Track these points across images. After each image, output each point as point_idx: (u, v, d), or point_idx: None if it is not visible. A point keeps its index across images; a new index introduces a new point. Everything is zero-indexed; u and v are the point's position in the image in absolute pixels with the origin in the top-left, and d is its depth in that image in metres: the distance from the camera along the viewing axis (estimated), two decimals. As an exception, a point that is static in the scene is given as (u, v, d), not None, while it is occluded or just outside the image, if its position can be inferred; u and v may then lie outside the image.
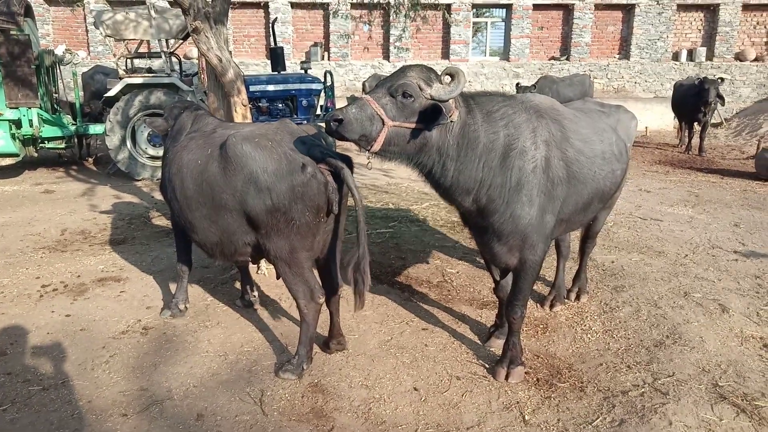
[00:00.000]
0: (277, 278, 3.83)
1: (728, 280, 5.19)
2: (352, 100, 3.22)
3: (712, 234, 6.60)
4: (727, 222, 7.13)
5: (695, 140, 12.84)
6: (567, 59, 18.72)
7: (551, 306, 4.70)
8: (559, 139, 3.33)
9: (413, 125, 3.03)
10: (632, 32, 18.60)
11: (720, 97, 11.89)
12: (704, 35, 18.94)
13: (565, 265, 4.84)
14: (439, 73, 3.07)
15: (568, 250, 4.89)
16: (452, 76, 3.00)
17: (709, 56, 18.71)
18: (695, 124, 12.69)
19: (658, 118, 16.67)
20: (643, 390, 3.48)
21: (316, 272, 3.79)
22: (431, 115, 3.02)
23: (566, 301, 4.77)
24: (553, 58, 19.00)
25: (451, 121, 3.09)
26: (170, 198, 3.98)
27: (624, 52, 19.02)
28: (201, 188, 3.63)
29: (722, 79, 12.00)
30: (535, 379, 3.64)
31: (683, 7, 18.61)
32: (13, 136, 9.37)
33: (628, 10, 18.66)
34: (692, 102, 12.21)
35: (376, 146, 3.01)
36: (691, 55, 18.80)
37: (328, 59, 18.28)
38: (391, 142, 3.05)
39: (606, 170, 3.62)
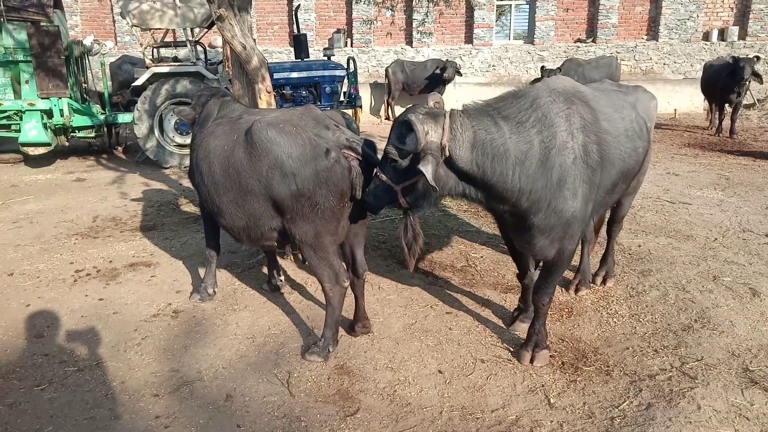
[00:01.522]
0: (303, 262, 3.88)
1: (759, 264, 5.08)
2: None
3: (743, 217, 6.46)
4: (758, 205, 6.96)
5: (726, 122, 12.50)
6: (593, 41, 18.32)
7: (576, 290, 4.66)
8: (591, 121, 3.24)
9: (415, 179, 3.10)
10: (661, 12, 18.08)
11: (757, 75, 11.49)
12: (737, 14, 18.32)
13: (590, 249, 4.80)
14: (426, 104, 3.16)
15: (592, 233, 4.79)
16: (409, 127, 3.00)
17: (742, 35, 18.10)
18: (726, 105, 12.34)
19: (688, 100, 16.25)
20: (670, 374, 3.45)
21: (341, 257, 3.83)
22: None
23: (591, 285, 4.72)
24: (578, 40, 18.61)
25: (446, 156, 3.03)
26: (198, 183, 4.04)
27: (652, 32, 18.53)
28: (228, 173, 3.68)
29: (758, 58, 11.60)
30: (560, 362, 3.64)
31: (715, -15, 18.02)
32: (44, 126, 9.59)
33: (657, -10, 18.13)
34: (724, 82, 11.86)
35: (403, 205, 3.25)
36: (722, 34, 18.21)
37: (351, 46, 18.22)
38: (412, 198, 3.19)
39: (629, 148, 3.52)
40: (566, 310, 4.35)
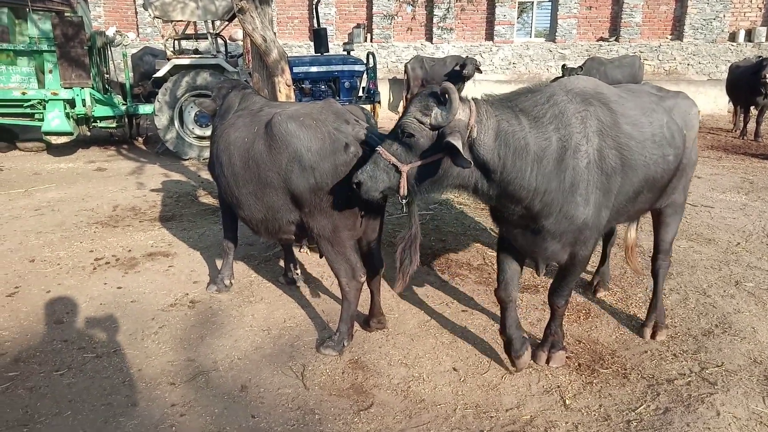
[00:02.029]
0: (320, 257, 3.88)
1: (784, 269, 4.98)
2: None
3: (767, 222, 6.34)
4: (783, 210, 6.82)
5: (751, 124, 12.27)
6: (616, 40, 18.08)
7: (594, 292, 4.57)
8: (609, 124, 3.04)
9: (430, 159, 2.87)
10: (686, 12, 17.78)
11: None
12: (765, 14, 17.94)
13: (611, 250, 4.69)
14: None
15: (614, 235, 4.69)
16: (444, 95, 2.79)
17: (770, 37, 17.75)
18: (752, 107, 12.11)
19: (712, 102, 15.98)
20: (689, 379, 3.40)
21: (358, 252, 3.82)
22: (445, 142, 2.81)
23: (610, 287, 4.65)
24: (601, 39, 18.38)
25: (471, 138, 2.83)
26: (218, 174, 4.06)
27: (677, 32, 18.23)
28: (247, 165, 3.69)
29: (785, 59, 11.34)
30: (576, 364, 3.60)
31: (743, -15, 17.67)
32: (67, 116, 9.71)
33: (683, -11, 17.84)
34: (750, 83, 11.63)
35: (402, 191, 2.94)
36: (749, 35, 17.86)
37: (371, 41, 18.19)
38: (418, 182, 2.94)
39: (656, 155, 3.26)
40: (584, 311, 4.30)
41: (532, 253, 3.31)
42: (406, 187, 2.92)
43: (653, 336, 3.92)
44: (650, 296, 4.49)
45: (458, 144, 2.71)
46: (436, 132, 2.82)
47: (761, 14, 18.00)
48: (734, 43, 17.84)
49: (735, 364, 3.54)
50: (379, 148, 2.96)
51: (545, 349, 3.61)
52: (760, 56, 11.96)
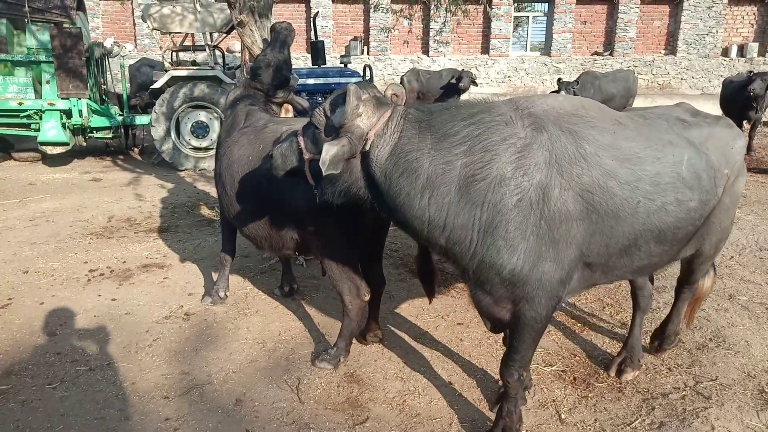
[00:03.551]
0: (323, 275, 3.87)
1: (778, 284, 5.01)
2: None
3: (760, 236, 6.38)
4: (777, 224, 6.87)
5: (744, 139, 12.38)
6: (610, 55, 18.28)
7: (618, 371, 3.60)
8: (569, 158, 2.50)
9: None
10: (679, 27, 18.03)
11: None
12: (757, 30, 18.20)
13: (643, 320, 3.76)
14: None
15: (648, 300, 3.72)
16: (343, 97, 2.60)
17: (762, 52, 17.98)
18: (745, 121, 12.23)
19: (706, 116, 16.15)
20: (684, 393, 3.40)
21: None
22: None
23: (641, 364, 3.67)
24: (596, 53, 18.58)
25: (365, 150, 2.61)
26: (220, 192, 4.09)
27: (670, 47, 18.46)
28: (251, 184, 3.71)
29: (775, 74, 11.45)
30: (572, 377, 3.60)
31: (735, 1, 17.92)
32: (63, 126, 9.71)
33: (676, 5, 18.09)
34: (742, 97, 11.76)
35: (309, 180, 2.79)
36: (742, 50, 18.11)
37: (368, 53, 18.32)
38: (318, 176, 2.71)
39: (661, 200, 2.65)
40: (578, 324, 4.31)
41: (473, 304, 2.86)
42: (309, 177, 2.80)
43: (659, 349, 3.72)
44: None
45: (329, 150, 2.51)
46: (335, 129, 2.65)
47: (753, 30, 18.25)
48: (727, 58, 18.08)
49: (729, 378, 3.55)
50: (299, 131, 2.87)
51: None
52: (751, 71, 12.08)
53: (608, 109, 2.84)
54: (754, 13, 18.11)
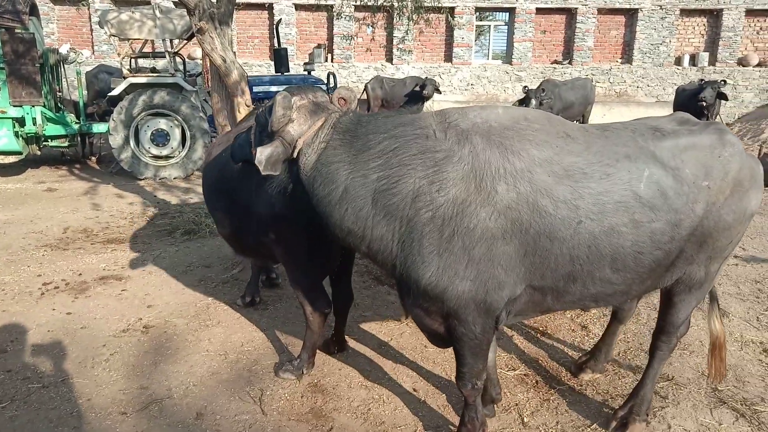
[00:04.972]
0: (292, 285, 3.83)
1: (728, 284, 5.18)
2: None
3: (713, 239, 6.59)
4: (728, 227, 7.11)
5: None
6: (569, 63, 18.73)
7: (578, 368, 3.66)
8: (492, 173, 2.36)
9: None
10: (635, 37, 18.61)
11: (721, 96, 11.73)
12: (707, 40, 18.94)
13: (619, 329, 3.66)
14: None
15: (628, 313, 3.63)
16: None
17: (712, 61, 18.72)
18: (697, 129, 12.65)
19: (661, 123, 16.67)
20: (642, 394, 3.48)
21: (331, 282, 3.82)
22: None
23: (605, 368, 3.64)
24: (555, 62, 19.01)
25: (294, 157, 2.67)
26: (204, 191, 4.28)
27: (626, 56, 19.03)
28: (222, 183, 3.78)
29: (724, 82, 11.90)
30: (534, 381, 3.65)
31: (686, 12, 18.61)
32: (16, 134, 9.41)
33: (631, 15, 18.67)
34: (694, 105, 12.17)
35: (261, 171, 2.71)
36: (693, 60, 18.81)
37: (332, 61, 18.31)
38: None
39: (610, 222, 2.43)
40: (540, 329, 4.37)
41: None
42: (261, 171, 2.73)
43: (623, 427, 3.08)
44: (602, 311, 4.58)
45: (262, 153, 2.60)
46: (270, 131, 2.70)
47: (704, 40, 18.98)
48: (680, 67, 18.74)
49: (684, 377, 3.65)
50: (254, 125, 2.94)
51: None
52: (702, 80, 12.54)
53: (559, 121, 2.66)
54: (704, 24, 18.84)
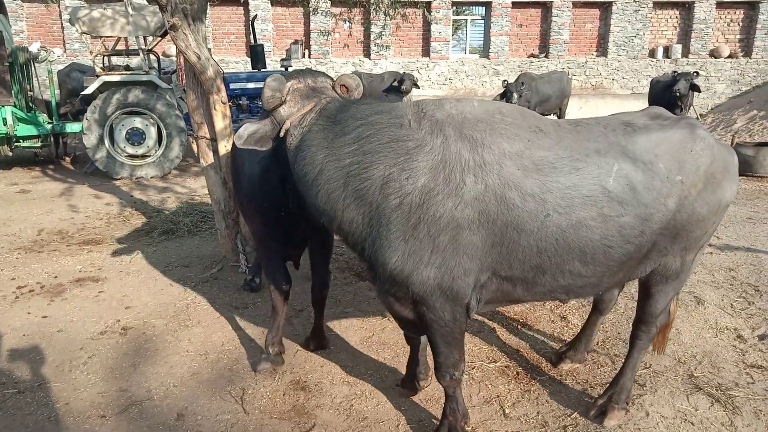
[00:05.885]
0: (296, 269, 4.06)
1: (703, 273, 5.29)
2: None
3: (688, 228, 6.71)
4: (702, 216, 7.24)
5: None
6: (546, 56, 18.87)
7: (558, 358, 3.72)
8: (461, 164, 2.42)
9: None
10: (609, 30, 18.82)
11: (694, 87, 11.90)
12: (680, 33, 19.23)
13: (599, 320, 3.70)
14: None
15: (609, 305, 3.67)
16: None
17: (685, 53, 19.02)
18: (671, 120, 12.83)
19: (636, 115, 16.89)
20: (620, 382, 3.53)
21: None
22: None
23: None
24: (532, 55, 19.14)
25: (282, 137, 2.82)
26: None
27: (601, 49, 19.23)
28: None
29: (697, 73, 12.09)
30: (515, 372, 3.68)
31: (659, 5, 18.87)
32: (-14, 136, 9.19)
33: (606, 8, 18.87)
34: (668, 96, 12.35)
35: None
36: (667, 52, 19.09)
37: (309, 57, 18.20)
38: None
39: (578, 215, 2.48)
40: (521, 320, 4.41)
41: None
42: (238, 143, 2.93)
43: (602, 414, 3.13)
44: (581, 301, 4.64)
45: (250, 128, 2.80)
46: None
47: (677, 33, 19.27)
48: (654, 59, 19.00)
49: (662, 365, 3.71)
50: None
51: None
52: (675, 71, 12.73)
53: (532, 115, 2.70)
54: (676, 17, 19.12)
